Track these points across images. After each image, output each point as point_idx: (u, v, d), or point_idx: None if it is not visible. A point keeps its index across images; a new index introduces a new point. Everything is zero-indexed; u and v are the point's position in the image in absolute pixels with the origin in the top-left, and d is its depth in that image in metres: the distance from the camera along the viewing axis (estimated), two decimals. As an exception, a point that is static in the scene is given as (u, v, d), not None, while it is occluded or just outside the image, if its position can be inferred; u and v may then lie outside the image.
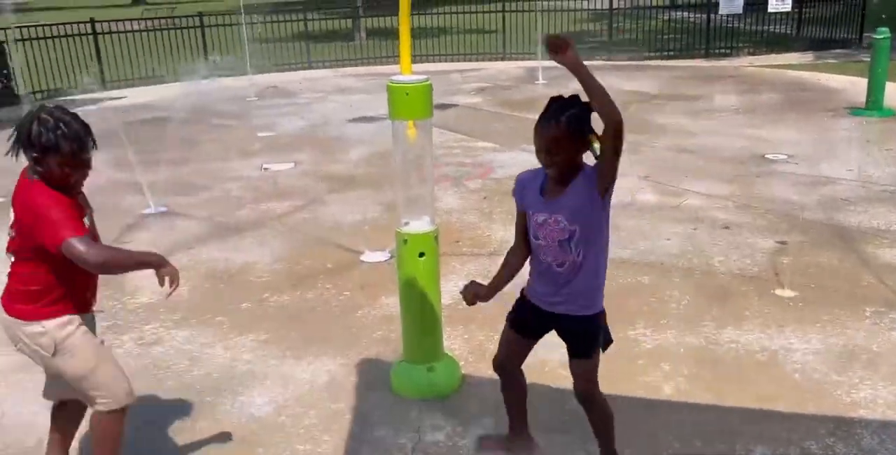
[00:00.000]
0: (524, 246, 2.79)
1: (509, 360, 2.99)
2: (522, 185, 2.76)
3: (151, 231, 6.05)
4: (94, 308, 2.88)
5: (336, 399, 3.56)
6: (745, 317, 4.30)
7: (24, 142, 2.55)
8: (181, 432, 3.35)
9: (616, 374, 3.65)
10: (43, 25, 13.96)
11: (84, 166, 2.62)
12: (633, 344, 3.99)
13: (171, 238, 5.87)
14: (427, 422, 3.36)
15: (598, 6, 16.75)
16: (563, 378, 3.66)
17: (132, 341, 4.21)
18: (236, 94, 12.35)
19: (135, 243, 5.71)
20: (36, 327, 2.61)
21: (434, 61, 15.61)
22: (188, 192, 7.11)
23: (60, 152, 2.52)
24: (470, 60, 15.84)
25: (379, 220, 6.16)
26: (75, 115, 2.61)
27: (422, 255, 3.42)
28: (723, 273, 4.92)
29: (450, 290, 4.65)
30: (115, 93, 13.02)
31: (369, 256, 5.34)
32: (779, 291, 4.61)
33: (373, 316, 4.45)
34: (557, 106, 2.54)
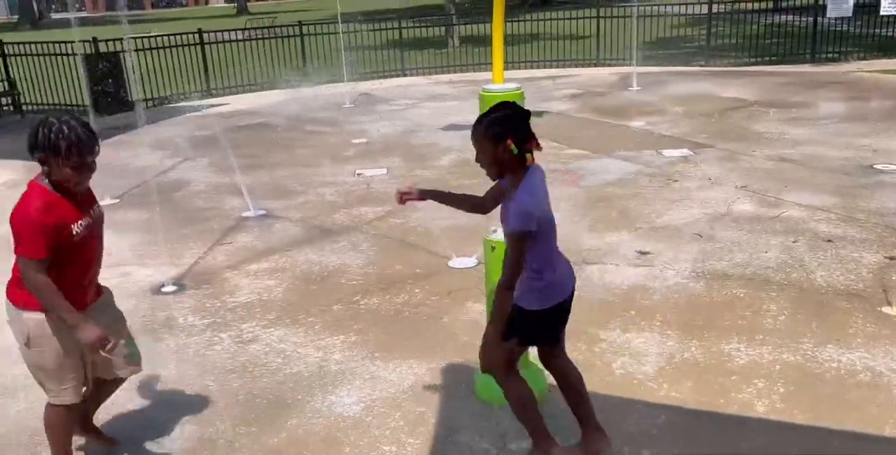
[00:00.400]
0: (486, 202, 3.11)
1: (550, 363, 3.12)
2: None
3: (251, 233, 6.28)
4: (93, 301, 3.07)
5: (421, 402, 3.62)
6: (847, 335, 4.10)
7: (30, 144, 2.75)
8: (273, 429, 3.47)
9: (707, 389, 3.56)
10: (154, 36, 14.73)
11: (84, 168, 2.79)
12: (726, 359, 3.87)
13: (269, 240, 6.09)
14: (511, 429, 3.36)
15: (696, 11, 16.35)
16: (652, 391, 3.60)
17: (230, 339, 4.39)
18: (332, 102, 12.68)
19: (235, 245, 5.95)
20: (20, 314, 2.84)
21: (526, 68, 15.58)
22: (285, 196, 7.35)
23: (60, 154, 2.69)
24: (563, 66, 15.73)
25: (467, 227, 6.20)
26: (83, 122, 2.80)
27: (509, 262, 3.42)
28: (824, 288, 4.71)
29: (537, 298, 4.65)
30: (218, 100, 13.61)
31: (457, 262, 5.39)
32: (886, 309, 4.38)
33: (460, 321, 4.49)
34: (487, 111, 2.79)
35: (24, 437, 3.49)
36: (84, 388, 3.04)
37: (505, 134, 2.62)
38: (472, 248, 5.48)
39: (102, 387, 3.23)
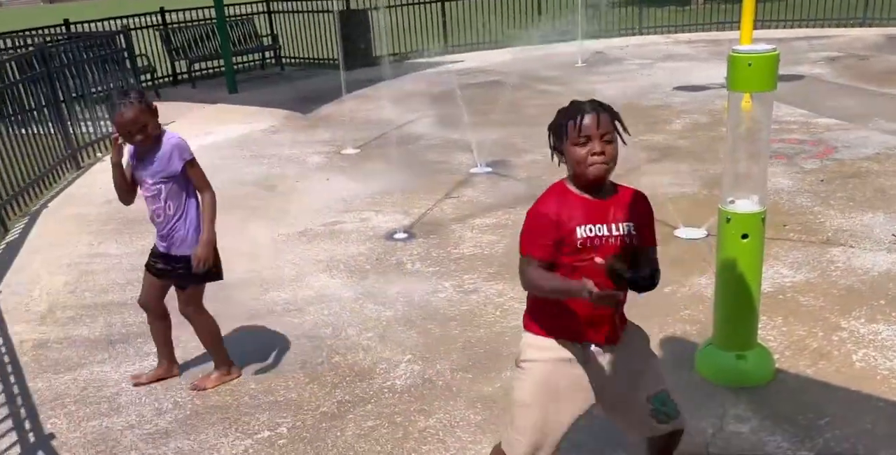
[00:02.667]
0: None
1: None
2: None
3: (477, 189, 6.47)
4: None
5: (636, 371, 3.56)
6: None
7: None
8: (488, 378, 3.61)
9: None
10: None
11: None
12: None
13: (494, 196, 6.24)
14: (730, 410, 3.22)
15: None
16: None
17: (453, 288, 4.60)
18: (564, 60, 12.54)
19: (461, 199, 6.17)
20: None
21: (778, 27, 14.34)
22: (512, 154, 7.45)
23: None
24: (821, 26, 14.27)
25: (698, 195, 5.92)
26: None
27: (745, 236, 3.23)
28: None
29: (771, 277, 4.36)
30: (455, 57, 13.99)
31: (684, 232, 5.18)
32: None
33: (682, 293, 4.33)
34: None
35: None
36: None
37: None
38: (702, 218, 5.23)
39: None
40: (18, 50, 9.79)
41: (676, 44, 13.97)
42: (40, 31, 10.41)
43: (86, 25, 11.54)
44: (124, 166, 3.39)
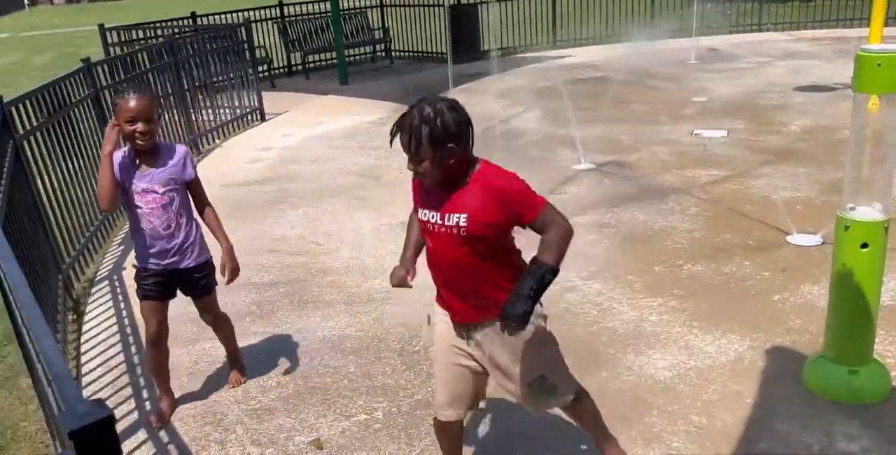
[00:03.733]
0: None
1: None
2: None
3: (581, 185, 6.40)
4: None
5: (739, 380, 3.45)
6: None
7: None
8: (585, 377, 3.55)
9: None
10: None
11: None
12: None
13: (598, 194, 6.16)
14: (839, 427, 3.08)
15: None
16: None
17: (552, 285, 4.56)
18: (676, 57, 12.20)
19: (565, 195, 6.12)
20: None
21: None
22: (617, 151, 7.33)
23: None
24: (962, 23, 13.26)
25: (814, 201, 5.66)
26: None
27: (864, 245, 3.08)
28: None
29: (892, 289, 4.13)
30: (563, 51, 13.85)
31: (797, 239, 4.96)
32: None
33: (792, 302, 4.16)
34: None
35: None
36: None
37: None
38: (818, 224, 5.00)
39: None
40: (149, 41, 10.37)
41: (798, 41, 13.33)
42: (169, 23, 10.99)
43: (210, 18, 12.10)
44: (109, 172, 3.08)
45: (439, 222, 2.34)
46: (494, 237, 2.35)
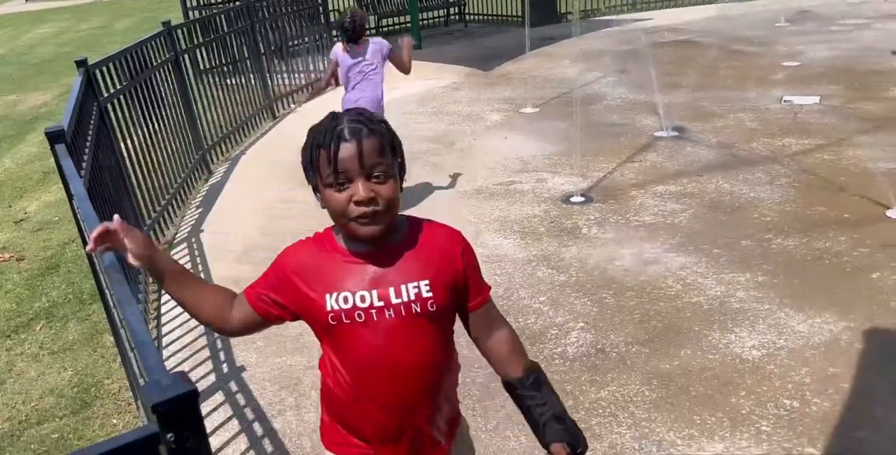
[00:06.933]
0: None
1: None
2: None
3: (661, 154, 6.16)
4: None
5: (834, 363, 3.26)
6: None
7: None
8: (666, 355, 3.44)
9: None
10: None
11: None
12: None
13: (680, 162, 5.91)
14: (946, 417, 2.87)
15: None
16: None
17: (631, 257, 4.41)
18: (765, 19, 11.59)
19: (643, 164, 5.89)
20: None
21: None
22: (701, 118, 7.01)
23: None
24: None
25: (918, 173, 5.29)
26: None
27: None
28: None
29: None
30: (644, 14, 13.35)
31: (898, 213, 4.66)
32: None
33: (892, 281, 3.90)
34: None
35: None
36: None
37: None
38: (922, 198, 4.68)
39: None
40: (227, 4, 10.43)
41: (899, 1, 12.48)
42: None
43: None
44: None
45: (381, 304, 1.52)
46: (453, 311, 1.66)
